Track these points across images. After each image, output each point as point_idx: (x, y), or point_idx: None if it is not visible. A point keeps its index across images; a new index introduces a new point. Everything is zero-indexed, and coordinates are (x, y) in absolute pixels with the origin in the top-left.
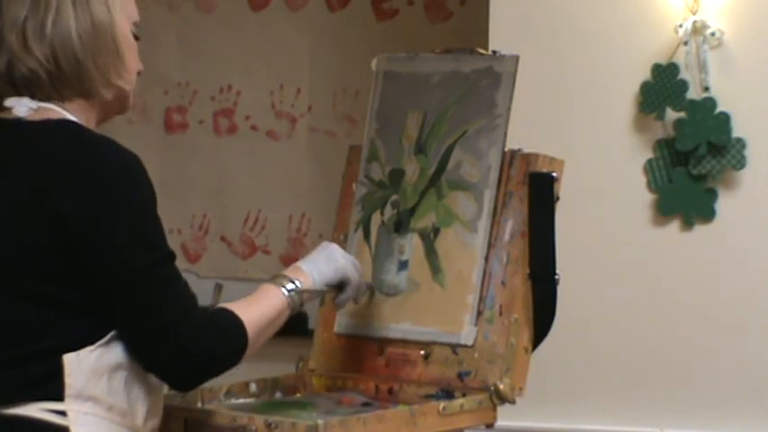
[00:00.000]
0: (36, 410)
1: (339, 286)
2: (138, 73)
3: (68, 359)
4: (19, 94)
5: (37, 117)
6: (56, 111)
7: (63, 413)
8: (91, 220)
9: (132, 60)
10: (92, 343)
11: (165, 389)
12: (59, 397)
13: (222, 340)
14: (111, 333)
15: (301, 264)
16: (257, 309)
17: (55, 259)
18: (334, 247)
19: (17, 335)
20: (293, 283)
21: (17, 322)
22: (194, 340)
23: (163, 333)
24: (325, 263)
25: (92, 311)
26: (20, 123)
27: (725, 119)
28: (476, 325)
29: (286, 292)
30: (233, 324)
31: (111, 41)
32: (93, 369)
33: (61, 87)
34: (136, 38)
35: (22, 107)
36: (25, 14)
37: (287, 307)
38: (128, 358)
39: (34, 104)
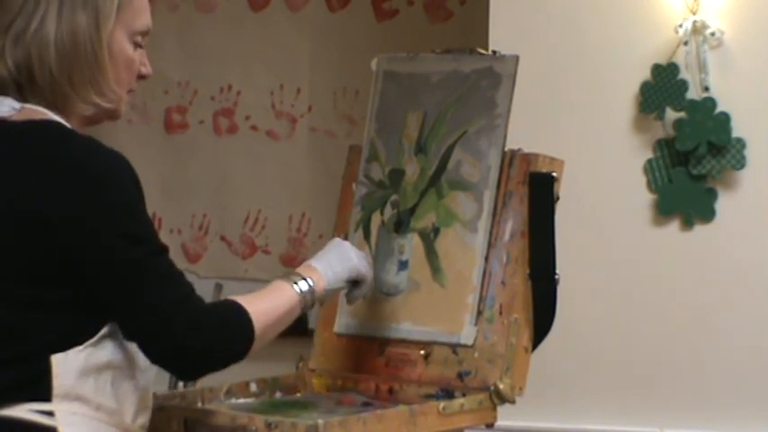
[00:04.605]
0: (24, 411)
1: (351, 283)
2: (144, 77)
3: (57, 360)
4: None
5: (21, 117)
6: (40, 111)
7: (51, 413)
8: (76, 220)
9: (124, 76)
10: (80, 343)
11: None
12: (47, 397)
13: (224, 330)
14: (100, 333)
15: (314, 263)
16: (267, 303)
17: (41, 260)
18: (347, 245)
19: (4, 337)
20: (307, 281)
21: (4, 324)
22: (193, 331)
23: (159, 326)
24: (339, 262)
25: (79, 311)
26: (1, 123)
27: (725, 119)
28: (476, 325)
29: (299, 291)
30: (237, 314)
31: (93, 58)
32: (81, 369)
33: (30, 97)
34: (139, 46)
35: (3, 107)
36: (11, 19)
37: (298, 305)
38: (116, 357)
39: (17, 105)
